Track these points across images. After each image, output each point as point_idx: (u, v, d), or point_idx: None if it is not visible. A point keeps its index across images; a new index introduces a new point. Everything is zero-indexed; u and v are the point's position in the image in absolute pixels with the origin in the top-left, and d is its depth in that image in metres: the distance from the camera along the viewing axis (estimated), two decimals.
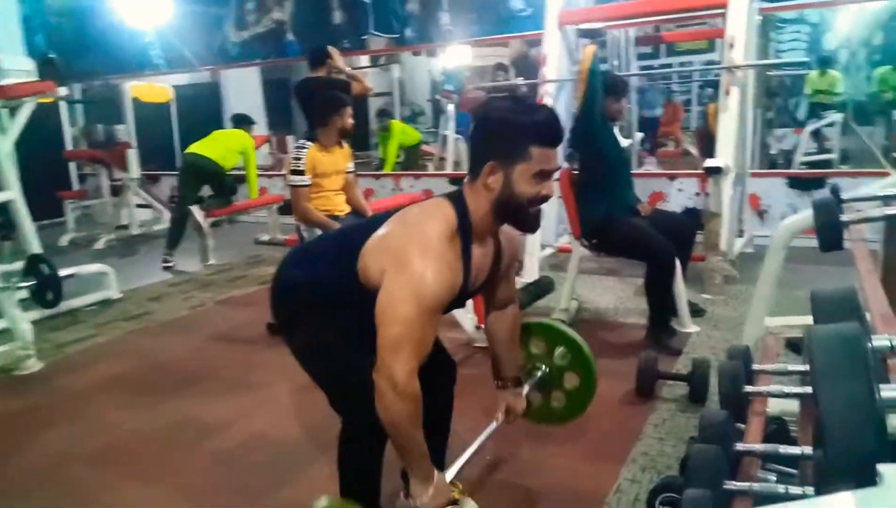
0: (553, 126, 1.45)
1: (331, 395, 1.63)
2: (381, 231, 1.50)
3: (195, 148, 5.38)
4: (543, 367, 2.09)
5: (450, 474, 1.63)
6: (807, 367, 1.76)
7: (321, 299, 1.58)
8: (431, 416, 1.85)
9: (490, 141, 1.46)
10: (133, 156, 6.15)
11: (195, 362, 3.34)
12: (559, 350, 2.08)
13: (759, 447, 1.51)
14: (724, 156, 3.78)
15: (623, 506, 1.97)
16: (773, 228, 4.99)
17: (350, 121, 3.36)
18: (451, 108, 8.15)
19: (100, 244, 6.24)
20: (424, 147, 9.56)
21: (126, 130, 7.31)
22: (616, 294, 4.05)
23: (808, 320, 2.35)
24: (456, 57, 9.67)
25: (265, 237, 6.07)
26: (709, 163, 3.70)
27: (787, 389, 1.77)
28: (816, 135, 7.44)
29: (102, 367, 3.29)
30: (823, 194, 2.02)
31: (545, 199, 1.48)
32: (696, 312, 3.47)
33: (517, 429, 2.48)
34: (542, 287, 3.46)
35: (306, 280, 1.62)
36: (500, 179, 1.45)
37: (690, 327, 3.31)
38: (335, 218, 3.35)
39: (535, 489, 2.12)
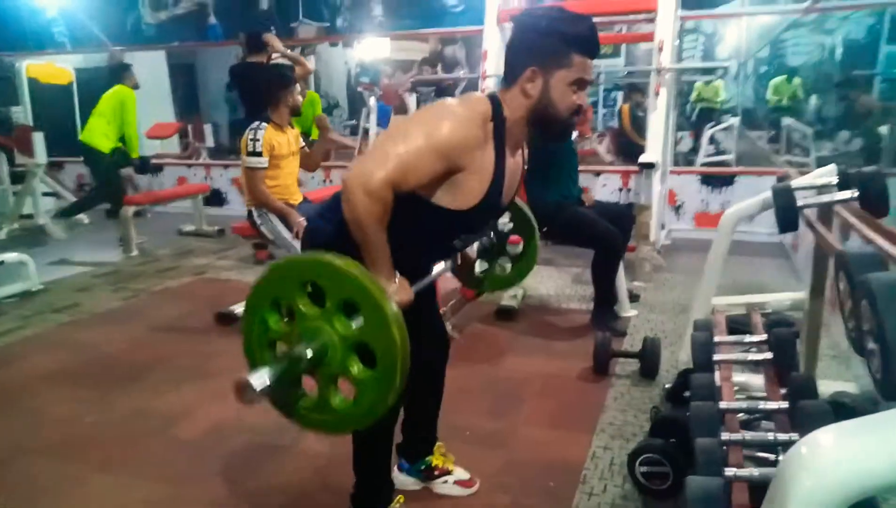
0: (595, 37, 1.49)
1: None
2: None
3: (82, 136, 5.34)
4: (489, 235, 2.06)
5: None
6: (761, 338, 1.99)
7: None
8: (424, 390, 1.93)
9: (533, 47, 1.46)
10: (39, 140, 5.72)
11: (142, 353, 3.20)
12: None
13: (741, 403, 1.70)
14: (654, 152, 4.05)
15: (601, 471, 2.12)
16: (687, 221, 5.41)
17: (299, 98, 3.34)
18: (372, 100, 8.13)
19: (2, 235, 5.79)
20: (343, 139, 9.46)
21: (23, 113, 6.78)
22: (556, 282, 4.25)
23: (746, 299, 2.63)
24: (375, 49, 9.65)
25: (189, 228, 5.83)
26: (643, 158, 3.97)
27: (751, 357, 1.99)
28: (712, 137, 8.08)
29: (38, 360, 3.10)
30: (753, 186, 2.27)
31: (580, 110, 1.51)
32: (633, 297, 3.72)
33: (480, 403, 2.60)
34: None
35: (338, 230, 1.45)
36: (538, 86, 1.45)
37: (630, 311, 3.55)
38: (290, 206, 3.31)
39: (514, 459, 2.21)
